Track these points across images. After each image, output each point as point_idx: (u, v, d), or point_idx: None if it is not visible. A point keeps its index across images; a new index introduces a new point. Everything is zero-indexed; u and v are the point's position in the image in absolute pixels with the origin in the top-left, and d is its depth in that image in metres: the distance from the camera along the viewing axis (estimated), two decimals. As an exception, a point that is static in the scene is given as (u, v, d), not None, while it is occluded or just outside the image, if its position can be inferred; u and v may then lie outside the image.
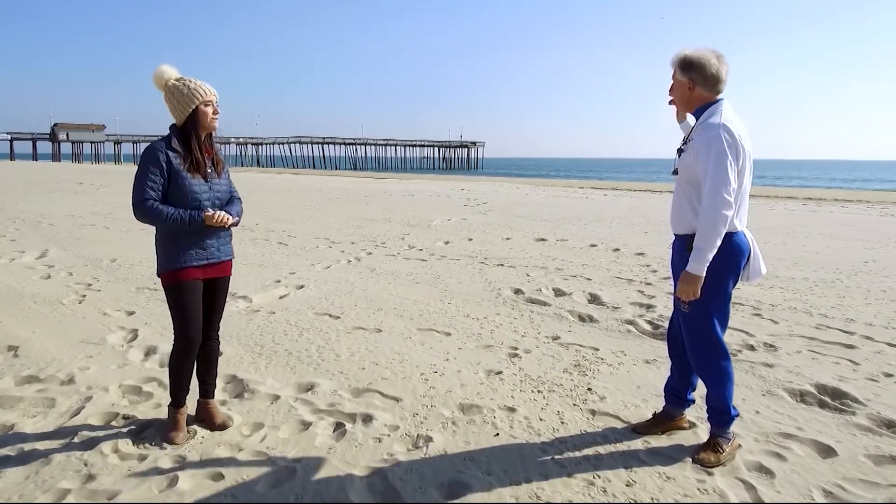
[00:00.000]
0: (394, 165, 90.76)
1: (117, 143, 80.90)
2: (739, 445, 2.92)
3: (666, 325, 3.95)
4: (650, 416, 3.21)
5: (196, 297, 2.93)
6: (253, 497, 2.51)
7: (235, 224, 3.01)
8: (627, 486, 2.61)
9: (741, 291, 6.05)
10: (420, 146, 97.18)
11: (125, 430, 3.05)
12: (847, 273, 7.21)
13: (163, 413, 3.19)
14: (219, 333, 3.20)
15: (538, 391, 3.62)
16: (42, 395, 3.44)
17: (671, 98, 3.02)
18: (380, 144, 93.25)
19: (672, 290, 3.05)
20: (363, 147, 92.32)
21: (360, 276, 6.82)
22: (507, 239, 9.85)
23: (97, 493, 2.52)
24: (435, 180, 32.82)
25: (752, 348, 4.39)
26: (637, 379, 3.83)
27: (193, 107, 2.83)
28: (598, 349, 4.39)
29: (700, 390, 3.10)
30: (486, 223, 12.06)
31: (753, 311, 5.42)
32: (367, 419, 3.21)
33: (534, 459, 2.83)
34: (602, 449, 2.93)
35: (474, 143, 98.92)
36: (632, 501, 2.51)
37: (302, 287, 6.22)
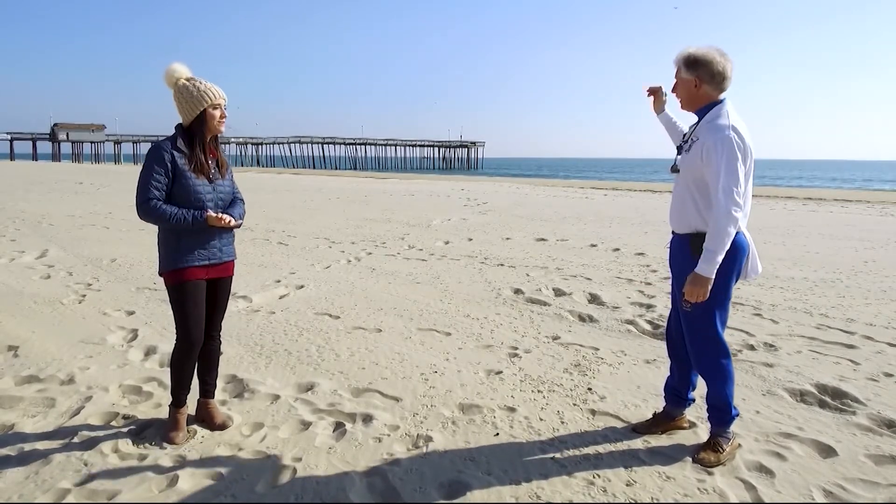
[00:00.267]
0: (394, 165, 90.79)
1: (117, 143, 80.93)
2: (739, 445, 2.92)
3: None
4: (650, 415, 3.21)
5: (199, 297, 2.93)
6: (253, 497, 2.51)
7: (238, 226, 3.02)
8: (627, 485, 2.61)
9: (741, 291, 6.05)
10: (420, 146, 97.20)
11: (125, 430, 3.05)
12: (847, 273, 7.21)
13: (163, 413, 3.19)
14: (220, 333, 3.20)
15: (538, 391, 3.62)
16: (42, 395, 3.44)
17: (649, 90, 3.10)
18: (380, 144, 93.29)
19: (671, 290, 3.05)
20: (363, 147, 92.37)
21: (360, 276, 6.82)
22: (507, 239, 9.85)
23: (97, 493, 2.52)
24: (435, 180, 32.82)
25: (752, 348, 4.39)
26: (637, 379, 3.83)
27: (201, 109, 2.83)
28: (598, 349, 4.39)
29: (700, 390, 3.10)
30: (486, 223, 12.06)
31: (754, 310, 5.42)
32: (367, 419, 3.21)
33: (534, 459, 2.82)
34: (602, 448, 2.93)
35: (474, 143, 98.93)
36: (632, 501, 2.50)
37: (302, 287, 6.22)
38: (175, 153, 2.82)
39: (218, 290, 3.07)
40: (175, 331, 2.97)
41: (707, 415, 2.93)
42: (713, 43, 2.78)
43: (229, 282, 3.14)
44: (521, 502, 2.50)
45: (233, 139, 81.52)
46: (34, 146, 78.06)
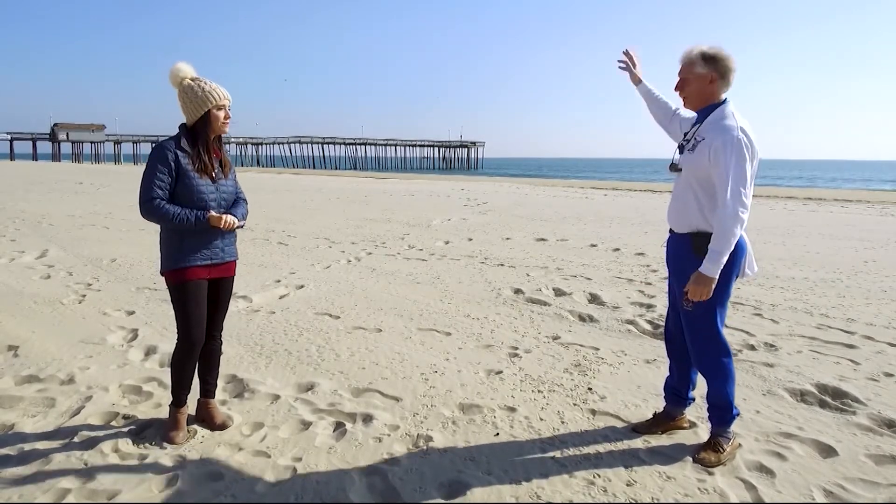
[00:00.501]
0: (394, 165, 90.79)
1: (117, 143, 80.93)
2: (740, 445, 2.92)
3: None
4: (650, 415, 3.21)
5: (201, 296, 2.93)
6: (253, 497, 2.51)
7: (241, 227, 3.01)
8: (628, 485, 2.61)
9: (741, 291, 6.05)
10: (420, 146, 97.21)
11: (125, 429, 3.05)
12: (847, 273, 7.21)
13: (163, 413, 3.19)
14: (221, 333, 3.20)
15: (538, 391, 3.62)
16: (42, 395, 3.44)
17: (619, 61, 3.27)
18: (380, 144, 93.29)
19: (668, 290, 3.05)
20: (363, 147, 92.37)
21: (360, 276, 6.82)
22: (507, 239, 9.85)
23: (97, 493, 2.52)
24: (435, 180, 32.82)
25: (752, 348, 4.39)
26: (637, 379, 3.82)
27: (206, 109, 2.83)
28: (598, 349, 4.38)
29: (700, 389, 3.10)
30: (486, 223, 12.06)
31: (754, 310, 5.42)
32: (367, 419, 3.21)
33: (534, 459, 2.82)
34: (602, 448, 2.93)
35: (474, 143, 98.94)
36: (632, 501, 2.50)
37: (302, 287, 6.22)
38: (179, 153, 2.82)
39: (219, 290, 3.07)
40: (176, 330, 2.97)
41: (708, 414, 2.93)
42: (713, 43, 2.79)
43: (231, 282, 3.14)
44: (521, 502, 2.49)
45: (233, 139, 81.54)
46: (34, 146, 78.06)
